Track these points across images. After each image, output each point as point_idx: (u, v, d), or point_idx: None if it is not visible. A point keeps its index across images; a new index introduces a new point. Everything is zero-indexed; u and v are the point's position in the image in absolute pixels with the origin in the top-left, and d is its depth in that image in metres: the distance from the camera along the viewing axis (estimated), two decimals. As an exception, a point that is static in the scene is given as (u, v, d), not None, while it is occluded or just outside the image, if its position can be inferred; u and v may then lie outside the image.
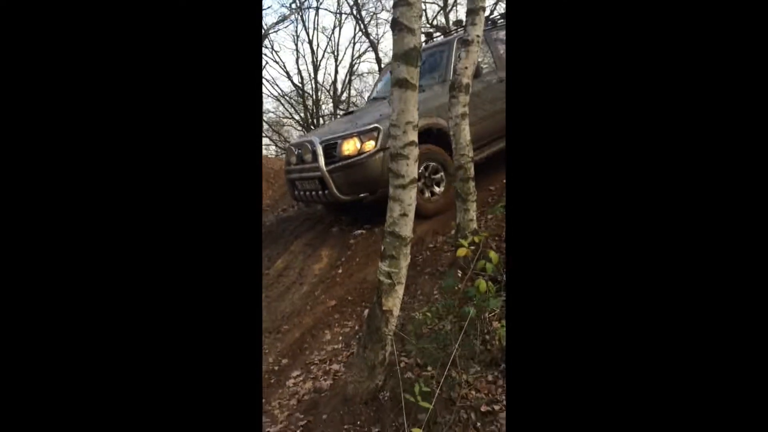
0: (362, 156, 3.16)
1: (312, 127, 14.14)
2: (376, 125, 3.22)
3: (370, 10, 12.31)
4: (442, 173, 3.45)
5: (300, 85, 13.72)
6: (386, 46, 14.62)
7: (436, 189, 3.43)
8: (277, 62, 12.89)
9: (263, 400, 1.91)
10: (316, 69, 13.66)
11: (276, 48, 12.62)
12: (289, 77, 14.44)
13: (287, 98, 14.07)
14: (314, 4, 13.24)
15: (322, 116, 14.04)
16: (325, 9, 20.08)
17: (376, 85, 5.16)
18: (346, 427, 1.60)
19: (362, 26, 12.18)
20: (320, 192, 3.32)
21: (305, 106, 14.17)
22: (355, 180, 3.20)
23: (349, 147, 3.22)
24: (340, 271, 2.98)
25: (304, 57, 19.48)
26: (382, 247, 1.66)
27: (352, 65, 14.55)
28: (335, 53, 14.07)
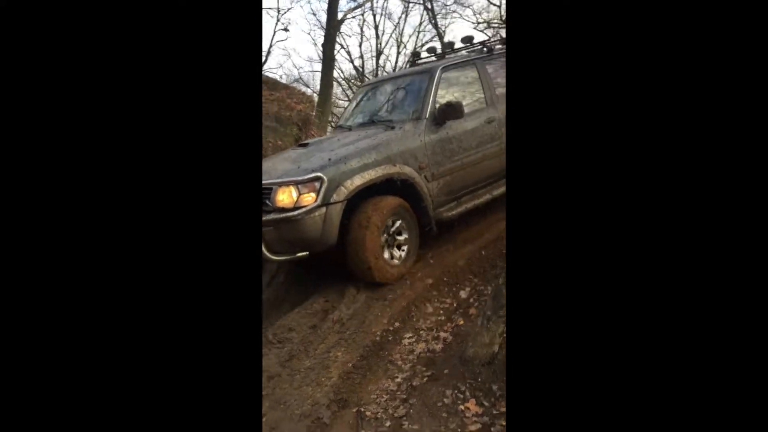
0: (298, 212, 2.54)
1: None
2: (318, 174, 2.58)
3: (441, 0, 12.43)
4: (407, 235, 2.94)
5: (360, 68, 14.05)
6: (452, 36, 14.62)
7: (396, 253, 2.94)
8: (342, 46, 13.36)
9: (386, 353, 2.29)
10: (379, 54, 13.91)
11: (344, 31, 12.95)
12: (351, 60, 14.69)
13: (346, 81, 14.41)
14: (385, -8, 13.46)
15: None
16: (395, -3, 20.29)
17: (345, 110, 4.32)
18: (469, 382, 1.95)
19: (432, 16, 12.32)
20: None
21: (363, 90, 14.46)
22: (289, 239, 2.62)
23: (284, 197, 2.59)
24: (430, 254, 3.32)
25: (369, 41, 19.64)
26: (514, 239, 1.99)
27: (484, 42, 14.62)
28: (399, 40, 14.26)
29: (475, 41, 4.10)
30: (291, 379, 2.18)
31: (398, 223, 2.92)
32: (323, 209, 2.59)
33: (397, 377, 2.11)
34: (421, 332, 2.45)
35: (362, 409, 1.92)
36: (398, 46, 14.76)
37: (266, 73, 11.73)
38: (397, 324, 2.54)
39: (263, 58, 11.48)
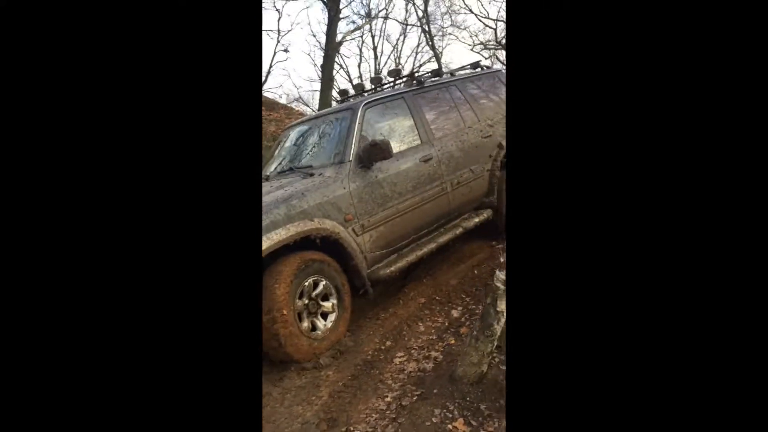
0: None
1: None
2: None
3: (438, 23, 12.74)
4: (334, 300, 2.51)
5: (360, 88, 14.28)
6: (449, 58, 14.91)
7: (321, 323, 2.47)
8: (342, 66, 13.59)
9: (377, 372, 2.30)
10: (377, 74, 14.19)
11: (344, 52, 13.22)
12: (350, 80, 14.94)
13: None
14: (383, 14, 13.83)
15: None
16: (394, 19, 21.06)
17: (273, 151, 3.54)
18: (457, 401, 1.97)
19: (429, 38, 12.59)
20: None
21: (361, 109, 14.71)
22: None
23: None
24: (423, 274, 3.35)
25: (367, 62, 20.05)
26: (502, 260, 2.03)
27: (413, 73, 14.98)
28: (397, 61, 14.55)
29: (404, 74, 3.71)
30: (282, 398, 2.19)
31: (318, 282, 2.46)
32: None
33: (387, 396, 2.12)
34: (412, 351, 2.47)
35: (351, 428, 1.93)
36: (396, 67, 15.02)
37: (266, 93, 11.89)
38: (388, 343, 2.56)
39: (263, 78, 11.66)
